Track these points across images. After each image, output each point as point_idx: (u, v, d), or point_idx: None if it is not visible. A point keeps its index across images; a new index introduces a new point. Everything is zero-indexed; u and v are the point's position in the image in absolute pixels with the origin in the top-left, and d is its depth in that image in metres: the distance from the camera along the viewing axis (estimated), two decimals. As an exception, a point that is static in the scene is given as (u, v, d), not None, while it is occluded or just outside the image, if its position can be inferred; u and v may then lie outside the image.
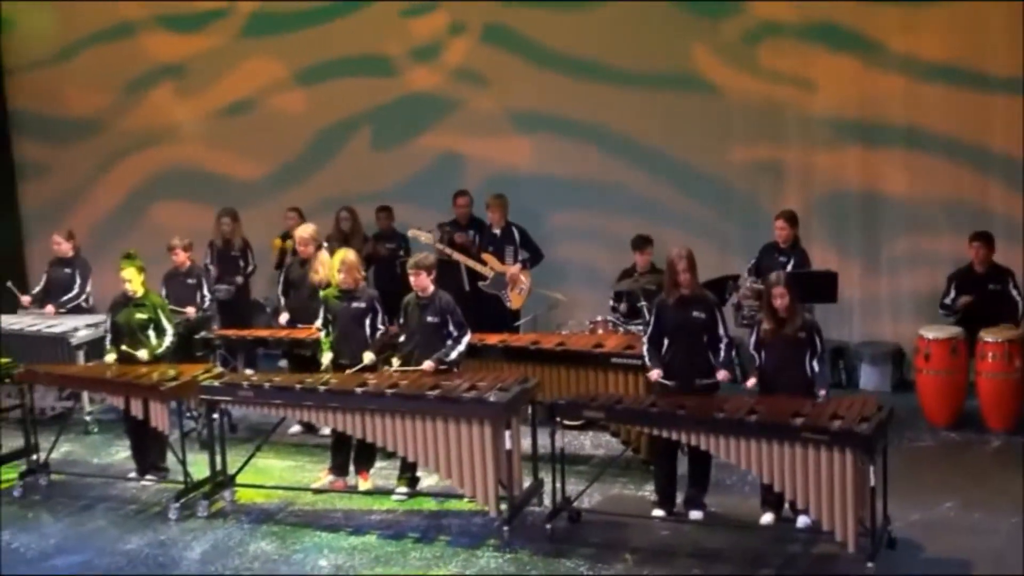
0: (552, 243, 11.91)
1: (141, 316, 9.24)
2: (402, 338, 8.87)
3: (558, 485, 8.11)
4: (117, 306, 9.32)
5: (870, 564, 7.09)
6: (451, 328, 8.70)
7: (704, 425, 7.49)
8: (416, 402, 8.04)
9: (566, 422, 8.77)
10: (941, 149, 11.02)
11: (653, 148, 11.96)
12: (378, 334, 8.95)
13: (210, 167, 13.59)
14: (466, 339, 8.75)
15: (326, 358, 8.95)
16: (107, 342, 9.40)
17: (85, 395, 10.59)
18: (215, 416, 8.77)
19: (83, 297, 11.28)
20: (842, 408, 7.44)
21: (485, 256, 11.34)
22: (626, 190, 12.03)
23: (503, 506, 7.98)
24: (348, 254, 9.13)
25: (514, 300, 11.29)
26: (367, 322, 8.95)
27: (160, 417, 8.68)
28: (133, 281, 9.19)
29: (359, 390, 8.22)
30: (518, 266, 11.27)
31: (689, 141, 11.83)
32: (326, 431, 9.81)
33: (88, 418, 10.76)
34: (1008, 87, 10.71)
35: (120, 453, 10.14)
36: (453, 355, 8.67)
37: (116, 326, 9.30)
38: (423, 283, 8.68)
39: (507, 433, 7.94)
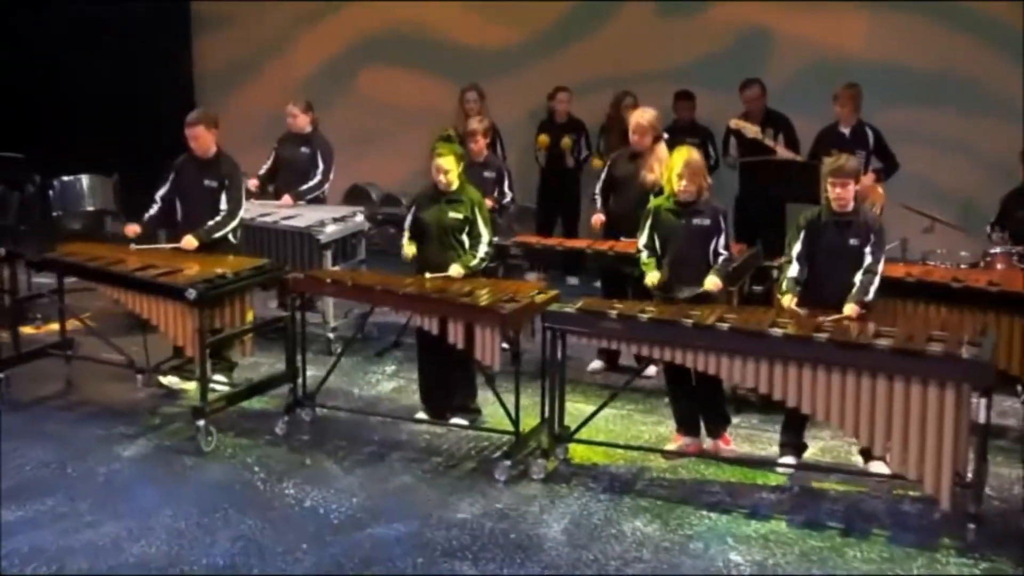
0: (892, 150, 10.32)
1: (456, 215, 7.65)
2: (794, 269, 7.22)
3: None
4: (424, 200, 7.76)
5: None
6: (868, 254, 7.17)
7: None
8: (860, 353, 6.47)
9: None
10: None
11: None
12: (721, 259, 7.41)
13: (440, 31, 12.35)
14: (881, 268, 7.23)
15: (652, 277, 7.42)
16: (404, 241, 7.94)
17: (330, 306, 9.35)
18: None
19: (326, 186, 9.83)
20: None
21: None
22: (995, 88, 10.52)
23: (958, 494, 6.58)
24: (692, 154, 7.37)
25: None
26: (711, 244, 7.41)
27: (489, 347, 7.17)
28: (451, 172, 7.60)
29: (775, 331, 6.74)
30: (871, 176, 9.69)
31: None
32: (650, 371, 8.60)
33: (331, 335, 9.35)
34: None
35: (382, 383, 8.82)
36: (871, 294, 7.14)
37: (420, 224, 7.78)
38: (848, 195, 7.17)
39: (983, 402, 6.55)
